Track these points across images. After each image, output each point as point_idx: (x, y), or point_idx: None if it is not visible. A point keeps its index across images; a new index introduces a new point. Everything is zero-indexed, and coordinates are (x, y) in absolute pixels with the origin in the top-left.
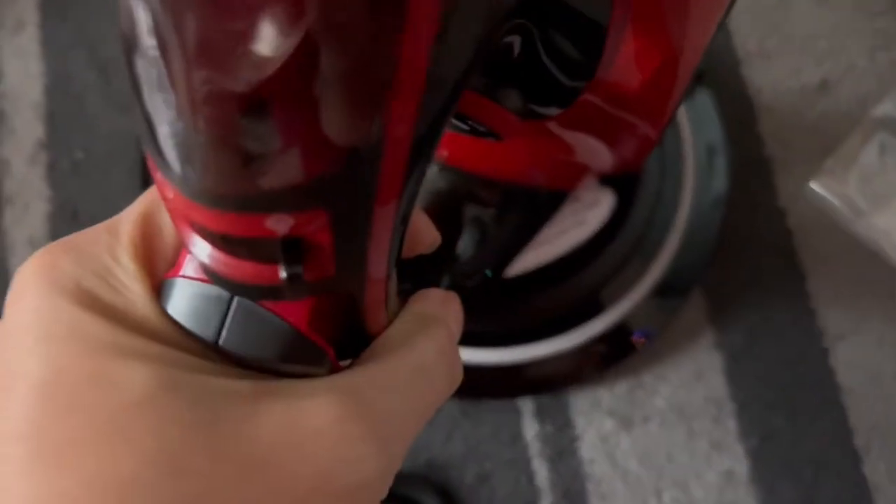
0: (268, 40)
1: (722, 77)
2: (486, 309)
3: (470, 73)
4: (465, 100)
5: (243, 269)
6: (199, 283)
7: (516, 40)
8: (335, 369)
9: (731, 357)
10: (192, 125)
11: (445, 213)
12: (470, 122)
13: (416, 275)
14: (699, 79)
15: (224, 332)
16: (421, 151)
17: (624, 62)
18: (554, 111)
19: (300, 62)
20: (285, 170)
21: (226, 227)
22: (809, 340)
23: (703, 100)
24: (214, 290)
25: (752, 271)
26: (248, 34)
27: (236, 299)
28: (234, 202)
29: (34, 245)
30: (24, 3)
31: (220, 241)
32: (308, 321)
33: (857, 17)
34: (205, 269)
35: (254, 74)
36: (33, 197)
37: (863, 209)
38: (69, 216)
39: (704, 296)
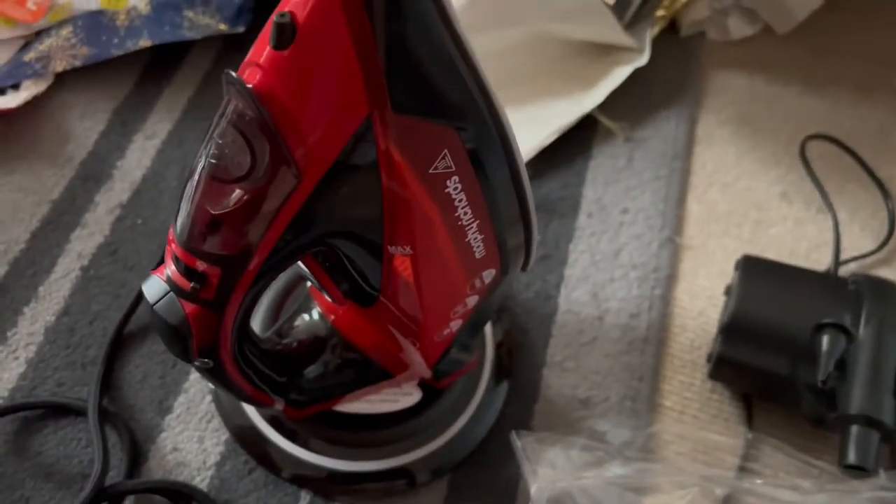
0: (224, 207)
1: (526, 370)
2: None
3: (292, 257)
4: (316, 270)
5: (180, 278)
6: (160, 278)
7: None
8: None
9: None
10: (189, 210)
11: (313, 347)
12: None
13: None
14: (507, 375)
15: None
16: (264, 274)
17: (393, 285)
18: (367, 301)
19: (233, 215)
20: (213, 244)
21: (179, 255)
22: None
23: (504, 383)
24: (164, 286)
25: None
26: (215, 205)
27: (171, 293)
28: (187, 246)
29: (80, 258)
30: (164, 124)
31: (174, 260)
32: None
33: (623, 375)
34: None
35: (218, 210)
36: (97, 230)
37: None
38: (111, 252)
39: (448, 483)
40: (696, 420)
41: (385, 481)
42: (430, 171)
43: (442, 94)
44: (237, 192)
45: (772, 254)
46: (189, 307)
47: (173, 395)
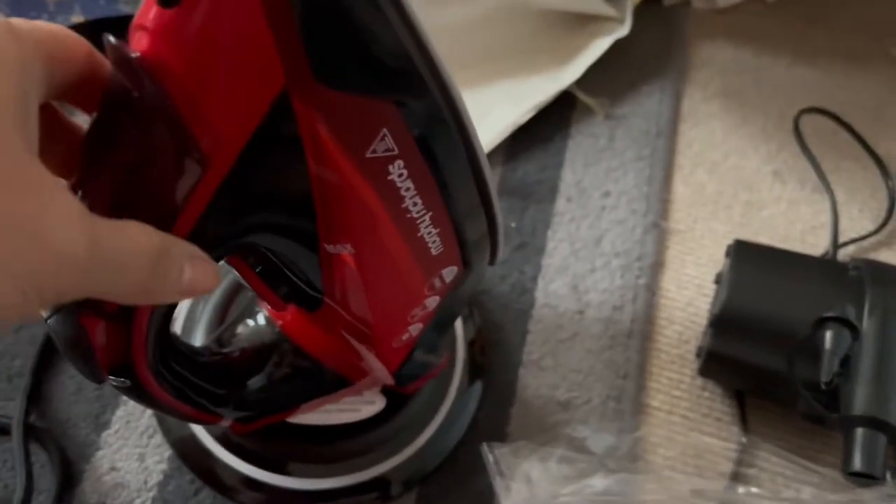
0: None
1: (501, 369)
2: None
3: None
4: (246, 274)
5: None
6: None
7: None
8: None
9: None
10: None
11: (258, 355)
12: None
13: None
14: (481, 374)
15: None
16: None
17: (340, 287)
18: (312, 305)
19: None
20: None
21: None
22: None
23: (478, 382)
24: None
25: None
26: None
27: None
28: None
29: None
30: None
31: None
32: None
33: (606, 373)
34: None
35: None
36: None
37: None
38: None
39: (416, 496)
40: (686, 421)
41: (349, 497)
42: (368, 155)
43: (375, 60)
44: (132, 184)
45: (764, 237)
46: (88, 320)
47: (111, 408)
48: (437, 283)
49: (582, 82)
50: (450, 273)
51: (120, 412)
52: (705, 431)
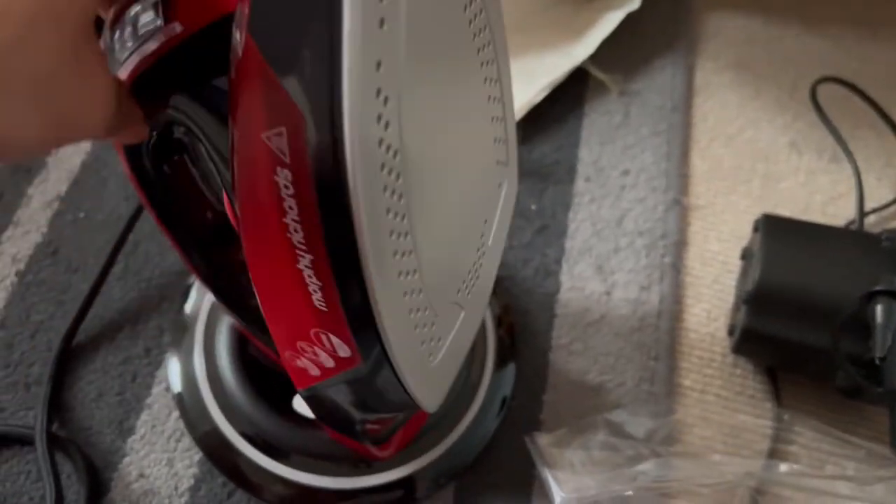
0: None
1: (530, 355)
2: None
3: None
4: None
5: None
6: None
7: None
8: None
9: None
10: None
11: None
12: None
13: None
14: (511, 356)
15: None
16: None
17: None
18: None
19: None
20: None
21: None
22: None
23: (510, 366)
24: None
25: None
26: None
27: None
28: None
29: (15, 261)
30: None
31: None
32: None
33: (637, 355)
34: None
35: None
36: (33, 228)
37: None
38: (51, 252)
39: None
40: (720, 399)
41: (383, 493)
42: (263, 136)
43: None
44: None
45: (785, 209)
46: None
47: (135, 412)
48: (327, 343)
49: (594, 58)
50: (342, 348)
51: (144, 416)
52: (739, 409)
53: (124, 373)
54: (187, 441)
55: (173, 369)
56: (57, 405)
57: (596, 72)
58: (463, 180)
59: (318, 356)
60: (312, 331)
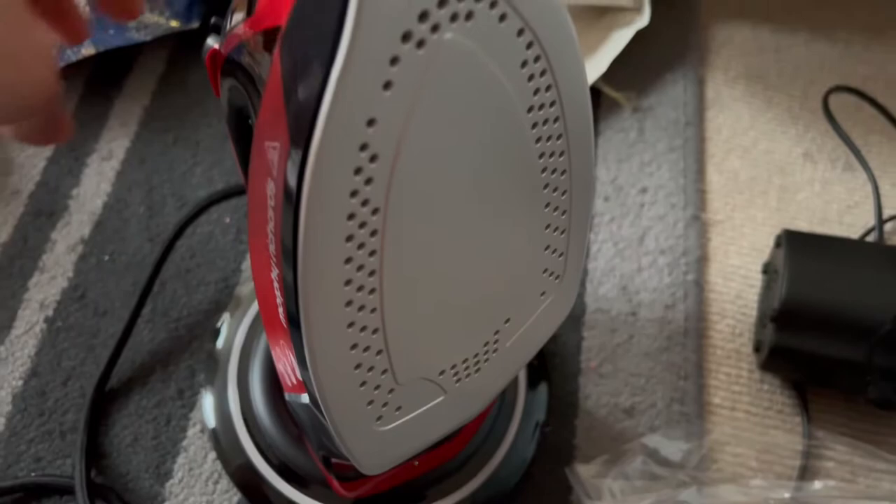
0: None
1: (560, 380)
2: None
3: None
4: None
5: None
6: None
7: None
8: None
9: None
10: None
11: None
12: None
13: None
14: (541, 378)
15: None
16: None
17: None
18: None
19: None
20: None
21: None
22: None
23: (541, 389)
24: None
25: None
26: None
27: None
28: None
29: (44, 307)
30: (120, 141)
31: None
32: None
33: (666, 375)
34: None
35: None
36: (59, 273)
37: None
38: (78, 297)
39: None
40: (749, 416)
41: None
42: (266, 143)
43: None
44: None
45: (802, 221)
46: None
47: (171, 456)
48: (290, 358)
49: (605, 76)
50: (296, 370)
51: (181, 459)
52: (769, 425)
53: (158, 416)
54: (225, 482)
55: (207, 405)
56: (93, 452)
57: (608, 90)
58: (480, 270)
59: (286, 368)
60: (281, 341)
